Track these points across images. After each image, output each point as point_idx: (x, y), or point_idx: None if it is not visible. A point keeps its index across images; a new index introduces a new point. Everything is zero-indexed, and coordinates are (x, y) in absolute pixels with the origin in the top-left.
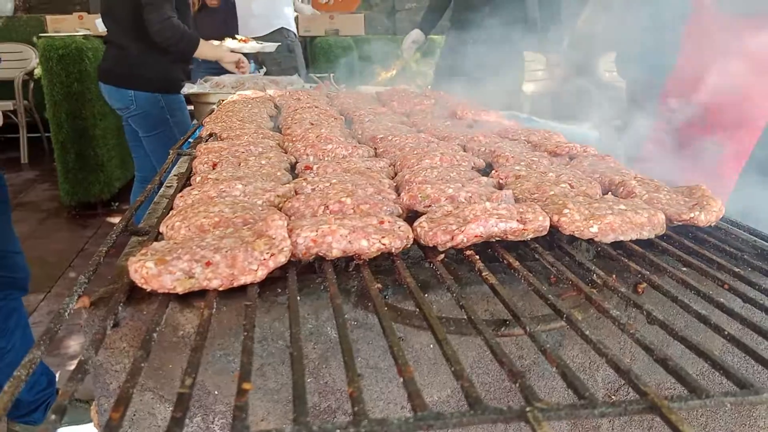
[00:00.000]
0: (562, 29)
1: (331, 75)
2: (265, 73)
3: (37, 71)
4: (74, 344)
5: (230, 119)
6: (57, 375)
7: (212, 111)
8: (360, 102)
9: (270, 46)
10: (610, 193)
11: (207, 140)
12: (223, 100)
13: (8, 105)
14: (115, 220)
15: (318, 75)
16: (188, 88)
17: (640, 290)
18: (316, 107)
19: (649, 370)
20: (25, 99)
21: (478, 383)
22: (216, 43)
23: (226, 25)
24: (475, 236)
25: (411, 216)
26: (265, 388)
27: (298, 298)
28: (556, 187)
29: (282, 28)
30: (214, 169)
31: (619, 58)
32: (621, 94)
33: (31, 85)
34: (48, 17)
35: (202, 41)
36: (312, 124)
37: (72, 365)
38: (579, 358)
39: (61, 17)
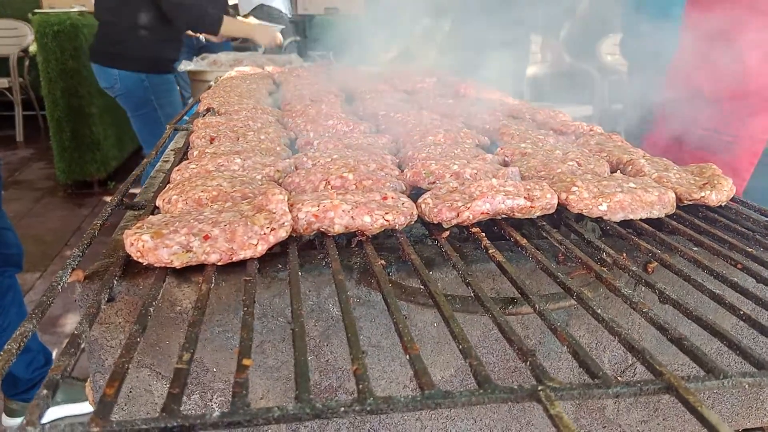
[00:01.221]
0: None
1: (330, 53)
2: (264, 52)
3: (33, 48)
4: (71, 323)
5: (228, 94)
6: (54, 353)
7: (209, 87)
8: (361, 79)
9: (277, 27)
10: (618, 171)
11: (204, 115)
12: (220, 77)
13: (3, 82)
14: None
15: (317, 53)
16: (185, 65)
17: (650, 270)
18: (316, 84)
19: (657, 351)
20: (20, 76)
21: (484, 362)
22: (241, 19)
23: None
24: (482, 213)
25: (414, 193)
26: (264, 365)
27: (300, 273)
28: (563, 164)
29: (262, 5)
30: (211, 143)
31: (624, 40)
32: (623, 77)
33: (27, 62)
34: None
35: (227, 19)
36: (312, 100)
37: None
38: (586, 338)
39: None
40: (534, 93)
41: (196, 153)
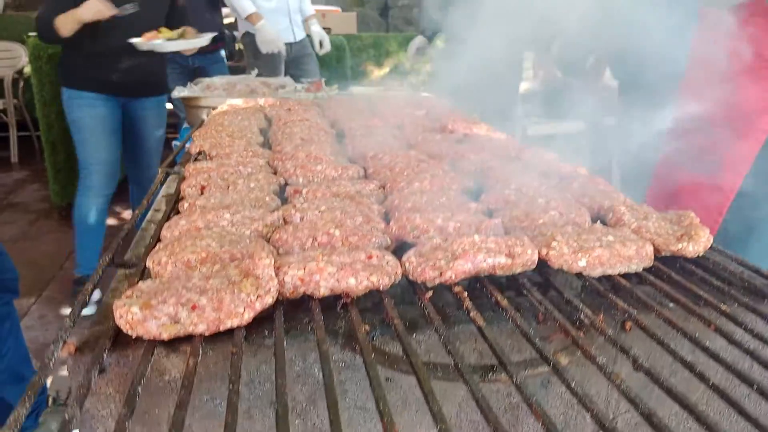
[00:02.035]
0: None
1: (323, 80)
2: (257, 74)
3: (27, 69)
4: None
5: (219, 134)
6: (48, 381)
7: (202, 122)
8: (352, 112)
9: (203, 40)
10: (599, 222)
11: (196, 158)
12: (213, 108)
13: None
14: (108, 221)
15: (308, 80)
16: (179, 92)
17: (627, 328)
18: (306, 120)
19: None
20: (14, 98)
21: (468, 422)
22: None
23: (190, 24)
24: (464, 272)
25: (400, 245)
26: (252, 430)
27: (285, 341)
28: (545, 214)
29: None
30: (202, 193)
31: (613, 59)
32: (613, 93)
33: (21, 83)
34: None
35: (59, 17)
36: (302, 139)
37: (63, 370)
38: (567, 395)
39: None
40: (527, 109)
41: (186, 206)
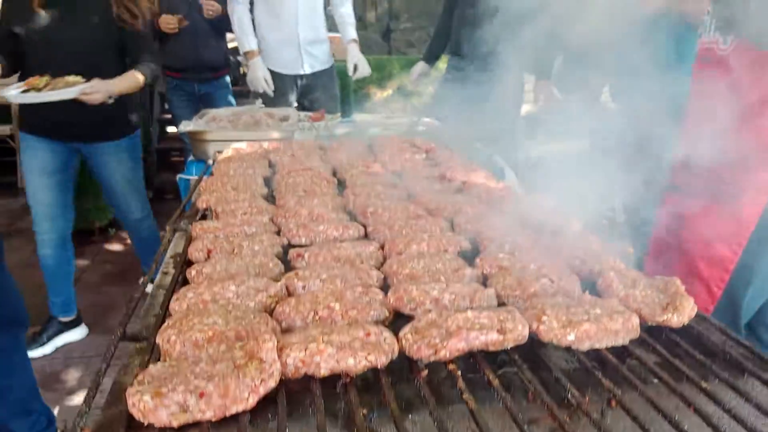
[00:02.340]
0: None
1: (322, 111)
2: (262, 104)
3: None
4: (72, 379)
5: (225, 187)
6: (56, 411)
7: (208, 170)
8: (352, 157)
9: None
10: (587, 292)
11: (203, 214)
12: (219, 153)
13: (5, 129)
14: (112, 247)
15: (310, 114)
16: (185, 126)
17: (613, 404)
18: (309, 170)
19: None
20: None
21: None
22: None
23: (196, 52)
24: (458, 350)
25: (398, 314)
26: None
27: (288, 425)
28: (537, 282)
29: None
30: (209, 256)
31: (614, 86)
32: (613, 114)
33: None
34: None
35: None
36: (305, 191)
37: (70, 400)
38: None
39: None
40: (529, 131)
41: (194, 273)
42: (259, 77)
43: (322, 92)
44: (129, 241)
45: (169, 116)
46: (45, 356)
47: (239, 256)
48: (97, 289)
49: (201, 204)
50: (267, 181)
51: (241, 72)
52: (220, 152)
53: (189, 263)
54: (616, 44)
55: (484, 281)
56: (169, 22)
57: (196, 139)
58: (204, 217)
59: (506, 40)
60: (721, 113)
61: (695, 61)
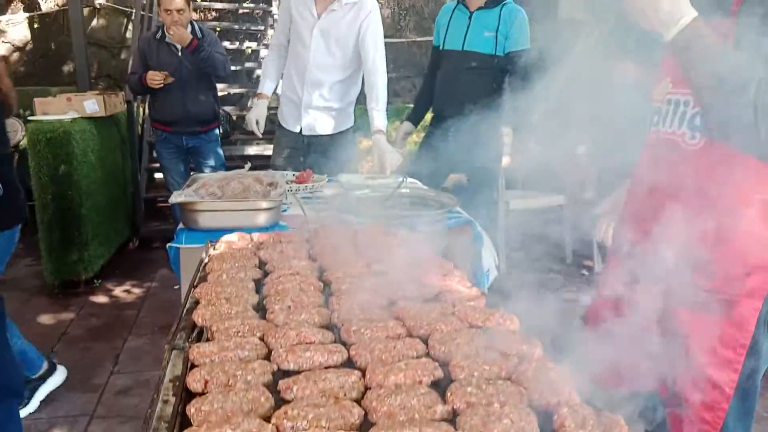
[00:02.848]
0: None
1: (309, 172)
2: (249, 169)
3: (24, 142)
4: None
5: (219, 299)
6: None
7: (203, 277)
8: (338, 253)
9: None
10: None
11: (199, 332)
12: (213, 245)
13: None
14: (98, 299)
15: (294, 173)
16: (176, 197)
17: None
18: (297, 274)
19: None
20: None
21: None
22: None
23: (184, 106)
24: None
25: None
26: None
27: None
28: (499, 423)
29: None
30: (205, 387)
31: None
32: (591, 169)
33: (17, 156)
34: (36, 100)
35: None
36: (293, 301)
37: None
38: None
39: (49, 100)
40: (510, 183)
41: (193, 410)
42: (251, 118)
43: (322, 155)
44: (115, 292)
45: (156, 165)
46: (30, 415)
47: (233, 391)
48: (82, 344)
49: (197, 319)
50: (258, 284)
51: (229, 126)
52: (211, 243)
53: (187, 390)
54: (593, 98)
55: (454, 416)
56: (154, 78)
57: (186, 209)
58: (200, 334)
59: (485, 99)
60: (689, 216)
61: (644, 149)
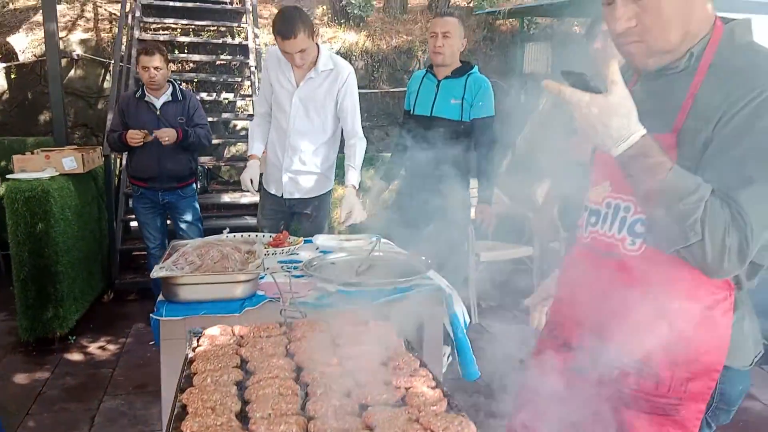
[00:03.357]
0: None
1: (285, 233)
2: (228, 233)
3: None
4: None
5: (204, 409)
6: None
7: (186, 378)
8: (315, 348)
9: None
10: None
11: None
12: (198, 337)
13: None
14: (73, 356)
15: (270, 234)
16: (156, 272)
17: None
18: (276, 377)
19: None
20: None
21: None
22: None
23: (160, 163)
24: None
25: None
26: None
27: None
28: None
29: None
30: None
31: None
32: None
33: None
34: (15, 157)
35: None
36: (273, 409)
37: None
38: None
39: (27, 157)
40: (479, 234)
41: None
42: (245, 177)
43: (305, 219)
44: (90, 349)
45: (133, 216)
46: None
47: None
48: (58, 405)
49: (187, 429)
50: (240, 385)
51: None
52: (195, 335)
53: None
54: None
55: None
56: (134, 137)
57: (166, 282)
58: None
59: (453, 158)
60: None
61: (572, 250)
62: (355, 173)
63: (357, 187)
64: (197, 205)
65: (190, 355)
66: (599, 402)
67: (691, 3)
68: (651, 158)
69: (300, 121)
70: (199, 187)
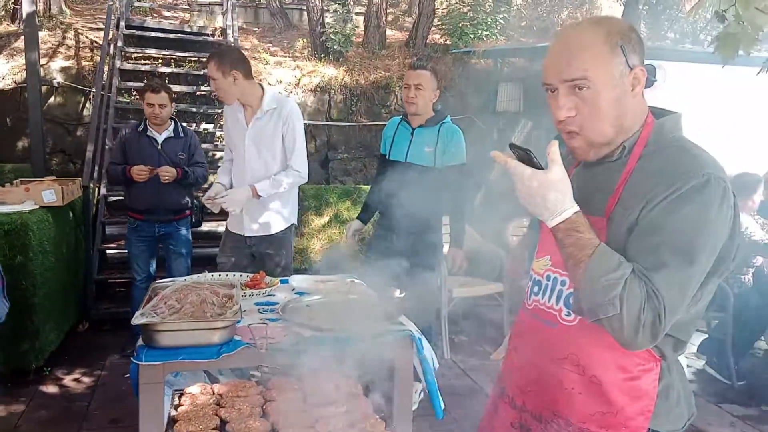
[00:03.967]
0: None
1: (262, 274)
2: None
3: None
4: None
5: None
6: None
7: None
8: (288, 407)
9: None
10: None
11: None
12: (180, 395)
13: None
14: (48, 389)
15: (248, 275)
16: (137, 319)
17: None
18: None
19: None
20: None
21: None
22: None
23: (159, 196)
24: None
25: None
26: None
27: None
28: None
29: None
30: None
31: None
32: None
33: None
34: None
35: None
36: None
37: None
38: None
39: (6, 189)
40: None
41: None
42: (210, 194)
43: (267, 259)
44: (65, 381)
45: (110, 245)
46: None
47: None
48: None
49: None
50: None
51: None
52: (177, 394)
53: None
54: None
55: None
56: (140, 173)
57: (147, 329)
58: None
59: (426, 200)
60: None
61: (520, 314)
62: (266, 185)
63: (257, 192)
64: (190, 237)
65: (173, 413)
66: None
67: (625, 99)
68: (581, 233)
69: (254, 160)
70: (193, 220)
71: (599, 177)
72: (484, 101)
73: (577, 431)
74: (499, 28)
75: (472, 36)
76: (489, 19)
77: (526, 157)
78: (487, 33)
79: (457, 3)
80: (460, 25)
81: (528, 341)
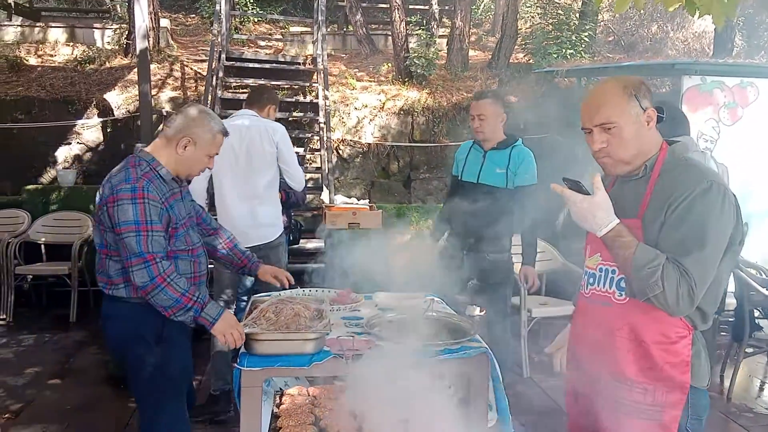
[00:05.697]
0: None
1: (348, 290)
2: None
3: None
4: None
5: None
6: None
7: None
8: (373, 406)
9: None
10: None
11: None
12: (281, 395)
13: (63, 269)
14: None
15: (336, 291)
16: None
17: None
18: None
19: None
20: (79, 260)
21: None
22: None
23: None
24: None
25: None
26: None
27: None
28: None
29: None
30: None
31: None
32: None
33: (86, 248)
34: None
35: None
36: None
37: None
38: None
39: None
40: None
41: None
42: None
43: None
44: None
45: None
46: None
47: None
48: None
49: None
50: None
51: None
52: (278, 395)
53: None
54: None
55: None
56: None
57: (248, 338)
58: None
59: (497, 218)
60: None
61: (575, 306)
62: None
63: None
64: (287, 257)
65: (275, 411)
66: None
67: (642, 132)
68: (624, 238)
69: None
70: (291, 238)
71: (631, 190)
72: (568, 120)
73: (630, 383)
74: (584, 45)
75: (555, 55)
76: (573, 38)
77: (576, 187)
78: (572, 51)
79: (540, 22)
80: (544, 44)
81: (590, 318)
